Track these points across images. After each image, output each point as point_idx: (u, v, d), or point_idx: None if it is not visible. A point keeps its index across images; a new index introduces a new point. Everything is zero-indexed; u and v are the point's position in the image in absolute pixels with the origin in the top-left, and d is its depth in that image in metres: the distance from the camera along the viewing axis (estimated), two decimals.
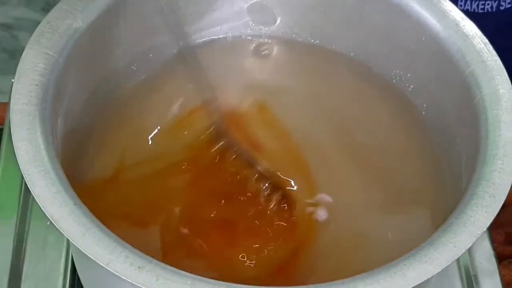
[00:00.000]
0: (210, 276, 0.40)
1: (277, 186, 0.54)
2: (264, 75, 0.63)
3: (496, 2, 0.81)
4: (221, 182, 0.55)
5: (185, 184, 0.55)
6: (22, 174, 0.43)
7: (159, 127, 0.58)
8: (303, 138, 0.58)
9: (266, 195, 0.53)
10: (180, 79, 0.60)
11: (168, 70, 0.61)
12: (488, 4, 0.80)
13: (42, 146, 0.44)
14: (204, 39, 0.62)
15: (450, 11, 0.54)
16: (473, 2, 0.80)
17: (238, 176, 0.55)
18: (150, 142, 0.57)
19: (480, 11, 0.81)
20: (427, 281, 0.42)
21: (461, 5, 0.80)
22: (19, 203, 0.59)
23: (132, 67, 0.59)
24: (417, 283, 0.41)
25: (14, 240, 0.57)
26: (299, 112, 0.60)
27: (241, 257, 0.51)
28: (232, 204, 0.54)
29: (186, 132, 0.58)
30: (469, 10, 0.80)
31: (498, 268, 0.58)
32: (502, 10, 0.81)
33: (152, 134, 0.58)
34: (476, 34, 0.53)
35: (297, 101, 0.60)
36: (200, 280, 0.40)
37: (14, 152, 0.44)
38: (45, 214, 0.42)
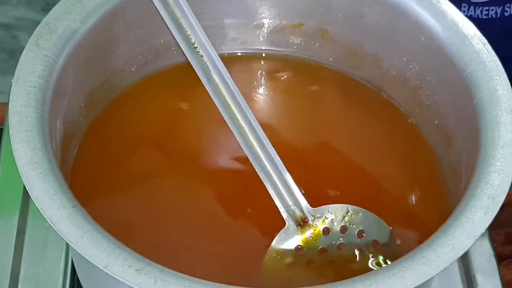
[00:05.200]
0: None
1: None
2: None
3: (501, 8, 0.80)
4: None
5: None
6: None
7: (159, 129, 0.58)
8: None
9: None
10: (180, 80, 0.61)
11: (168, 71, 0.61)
12: (492, 10, 0.80)
13: (40, 148, 0.44)
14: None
15: (450, 11, 0.54)
16: (477, 8, 0.79)
17: None
18: (151, 144, 0.58)
19: (484, 17, 0.80)
20: (426, 283, 0.42)
21: (464, 11, 0.79)
22: (19, 204, 0.59)
23: (132, 68, 0.59)
24: (416, 285, 0.41)
25: (14, 241, 0.57)
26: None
27: None
28: None
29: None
30: (473, 16, 0.80)
31: (498, 268, 0.58)
32: (506, 16, 0.81)
33: (152, 135, 0.58)
34: (475, 35, 0.53)
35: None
36: (198, 282, 0.40)
37: None
38: None
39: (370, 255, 0.51)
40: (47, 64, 0.48)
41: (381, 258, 0.51)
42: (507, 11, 0.80)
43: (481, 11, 0.79)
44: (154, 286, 0.39)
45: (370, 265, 0.50)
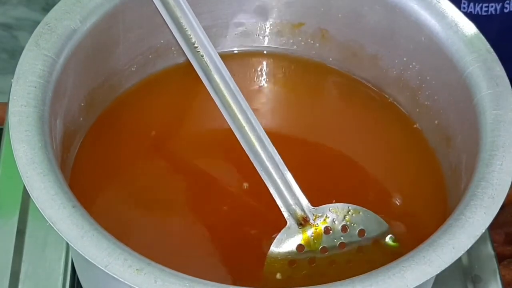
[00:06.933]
0: None
1: None
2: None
3: (500, 4, 0.80)
4: None
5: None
6: None
7: (158, 129, 0.58)
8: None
9: None
10: (180, 80, 0.61)
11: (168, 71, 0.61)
12: (492, 6, 0.80)
13: (40, 148, 0.44)
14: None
15: (449, 11, 0.54)
16: (477, 4, 0.79)
17: None
18: (151, 144, 0.58)
19: (484, 13, 0.80)
20: (426, 283, 0.42)
21: (464, 8, 0.79)
22: (19, 204, 0.59)
23: (132, 68, 0.59)
24: (416, 285, 0.41)
25: (14, 241, 0.57)
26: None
27: None
28: None
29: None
30: (473, 12, 0.79)
31: (498, 268, 0.58)
32: (506, 12, 0.81)
33: (152, 135, 0.58)
34: (475, 35, 0.53)
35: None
36: (198, 282, 0.40)
37: None
38: None
39: (370, 254, 0.51)
40: (47, 64, 0.48)
41: (381, 257, 0.51)
42: (506, 8, 0.80)
43: (481, 8, 0.79)
44: (154, 286, 0.39)
45: (370, 264, 0.51)
